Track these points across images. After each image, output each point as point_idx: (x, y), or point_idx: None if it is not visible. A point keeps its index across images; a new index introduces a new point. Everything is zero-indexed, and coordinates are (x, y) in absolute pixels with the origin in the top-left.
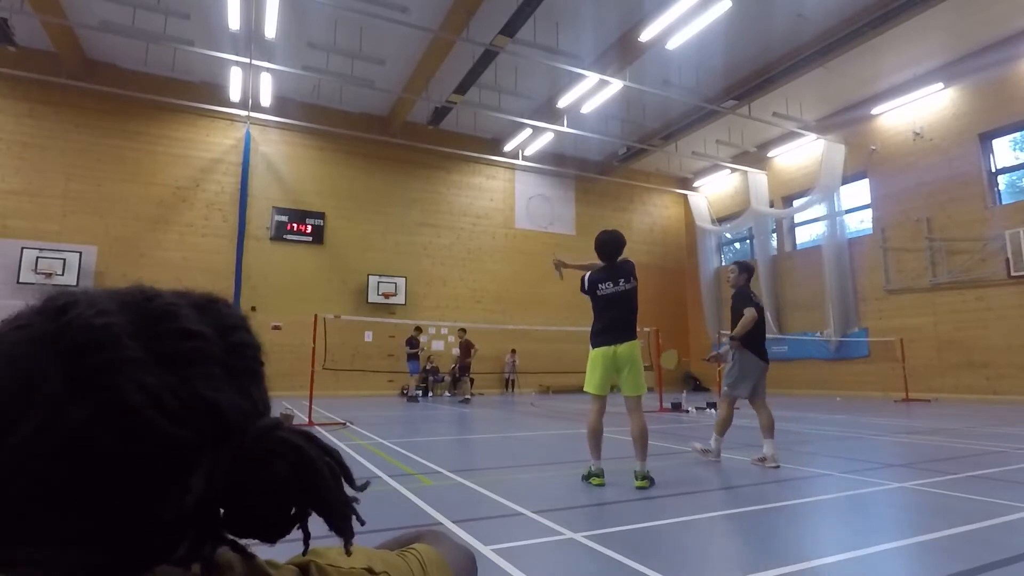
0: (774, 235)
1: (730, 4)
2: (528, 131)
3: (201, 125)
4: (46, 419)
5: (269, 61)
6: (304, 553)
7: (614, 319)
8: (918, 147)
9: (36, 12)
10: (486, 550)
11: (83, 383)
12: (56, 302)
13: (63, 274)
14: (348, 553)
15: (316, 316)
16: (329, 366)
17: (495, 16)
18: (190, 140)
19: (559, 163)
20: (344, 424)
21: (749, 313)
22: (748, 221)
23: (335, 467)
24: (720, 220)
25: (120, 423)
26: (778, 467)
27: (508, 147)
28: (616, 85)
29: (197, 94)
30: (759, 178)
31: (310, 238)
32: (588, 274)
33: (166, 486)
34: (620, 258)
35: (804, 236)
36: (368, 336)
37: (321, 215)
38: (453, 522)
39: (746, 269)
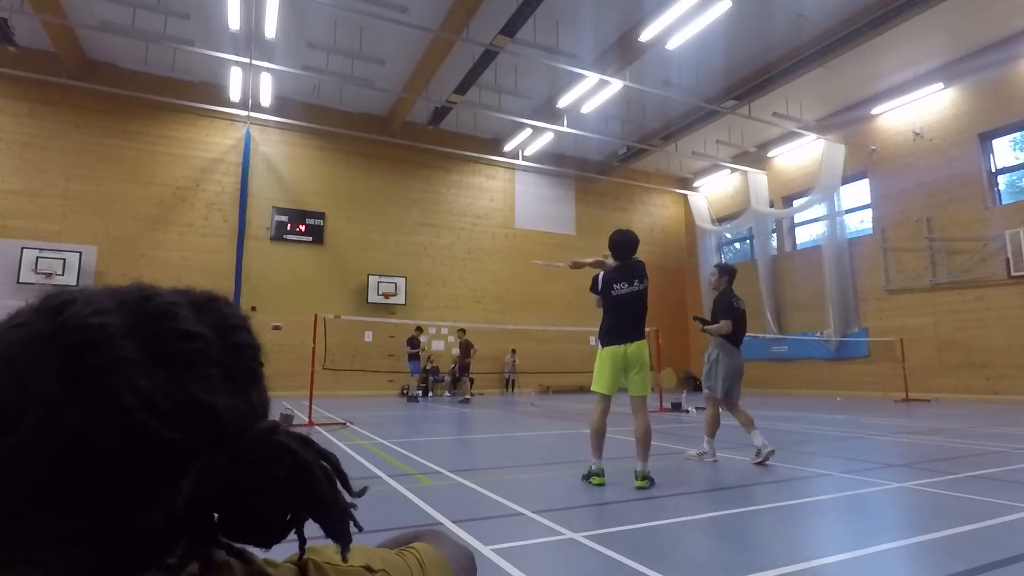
0: (774, 235)
1: (730, 4)
2: (528, 131)
3: (201, 125)
4: (42, 419)
5: (269, 61)
6: (300, 555)
7: (626, 319)
8: (918, 147)
9: (36, 12)
10: (486, 550)
11: (78, 383)
12: (53, 301)
13: (63, 274)
14: (344, 560)
15: (316, 316)
16: (329, 366)
17: (495, 16)
18: (190, 140)
19: (559, 163)
20: (344, 424)
21: (724, 325)
22: (748, 221)
23: (331, 472)
24: (720, 220)
25: (113, 424)
26: (773, 452)
27: (508, 147)
28: (616, 85)
29: (197, 94)
30: (759, 178)
31: (310, 238)
32: (602, 273)
33: (159, 489)
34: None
35: (804, 236)
36: (368, 336)
37: (321, 215)
38: (453, 522)
39: (726, 272)
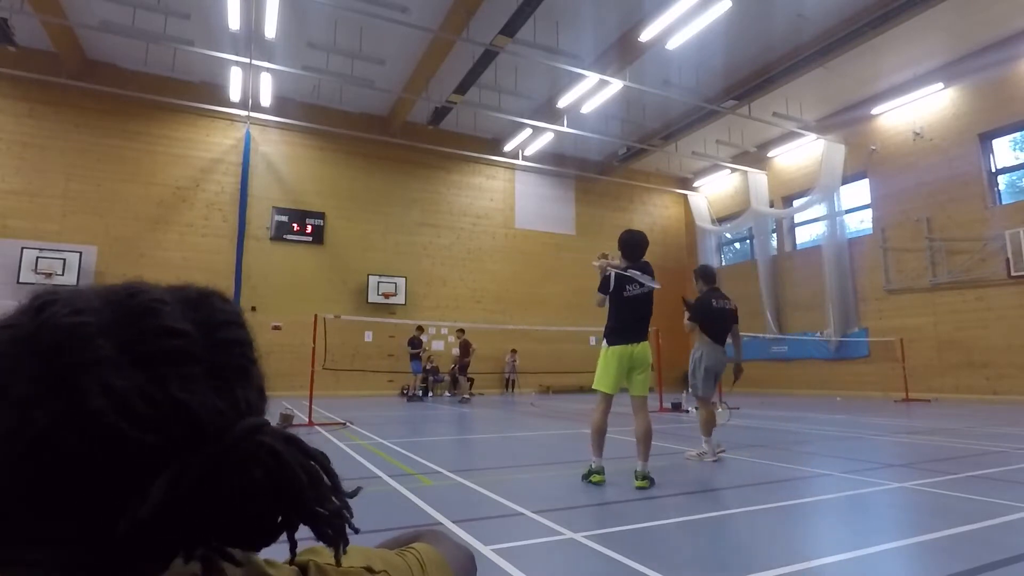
0: (774, 235)
1: (730, 4)
2: (528, 131)
3: (201, 125)
4: (15, 421)
5: (269, 61)
6: (291, 561)
7: (634, 319)
8: (918, 147)
9: (36, 12)
10: (486, 550)
11: (51, 385)
12: (36, 301)
13: (63, 274)
14: (338, 563)
15: (316, 316)
16: (329, 366)
17: (495, 16)
18: (190, 140)
19: (559, 163)
20: (344, 424)
21: (686, 325)
22: (748, 221)
23: (316, 473)
24: (720, 220)
25: (81, 427)
26: (715, 458)
27: (508, 147)
28: (616, 85)
29: (197, 94)
30: (759, 178)
31: (310, 238)
32: (614, 273)
33: (130, 493)
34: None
35: (804, 236)
36: (368, 336)
37: (321, 215)
38: (453, 522)
39: (702, 276)
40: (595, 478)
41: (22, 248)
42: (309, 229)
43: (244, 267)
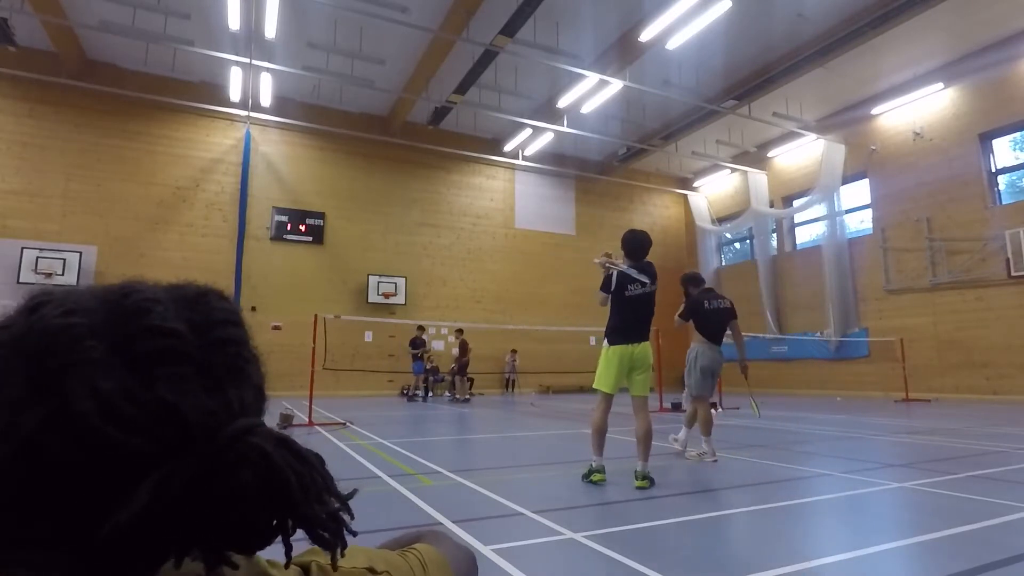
0: (774, 235)
1: (730, 4)
2: (528, 131)
3: (201, 125)
4: (5, 423)
5: (269, 61)
6: (287, 566)
7: (635, 319)
8: (918, 147)
9: (36, 12)
10: (486, 550)
11: (39, 387)
12: (31, 302)
13: (63, 274)
14: (334, 567)
15: (316, 316)
16: (329, 366)
17: (495, 16)
18: (190, 140)
19: (559, 163)
20: (344, 424)
21: (676, 321)
22: (748, 221)
23: (307, 476)
24: (720, 220)
25: (68, 430)
26: (714, 459)
27: (508, 147)
28: (616, 85)
29: (197, 94)
30: (759, 178)
31: (310, 238)
32: (616, 272)
33: (116, 498)
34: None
35: (804, 236)
36: (368, 336)
37: (321, 215)
38: (453, 522)
39: (690, 281)
40: (596, 477)
41: (22, 248)
42: (309, 229)
43: (244, 267)
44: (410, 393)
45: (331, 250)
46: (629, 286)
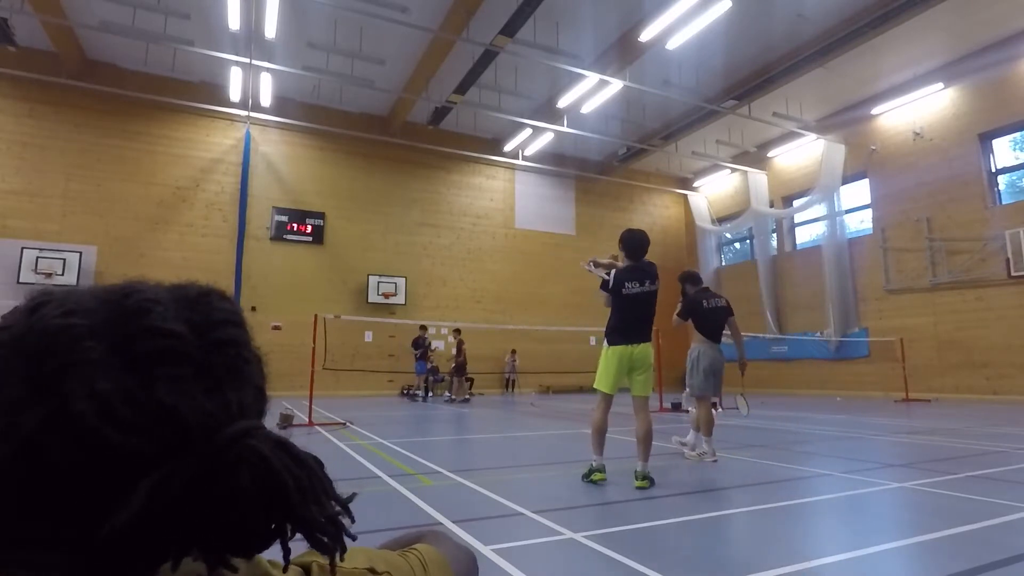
0: (774, 235)
1: (730, 4)
2: (528, 131)
3: (201, 125)
4: (5, 424)
5: (269, 61)
6: (285, 569)
7: (635, 319)
8: (918, 147)
9: (36, 12)
10: (486, 550)
11: (38, 387)
12: (31, 302)
13: (63, 274)
14: (332, 571)
15: (316, 316)
16: (329, 366)
17: (495, 16)
18: (190, 140)
19: (559, 163)
20: (344, 424)
21: (675, 320)
22: (748, 221)
23: (305, 479)
24: (720, 220)
25: (66, 431)
26: (714, 459)
27: (508, 147)
28: (616, 85)
29: (197, 94)
30: (759, 178)
31: (310, 238)
32: (614, 272)
33: (114, 499)
34: (645, 259)
35: (804, 236)
36: (368, 336)
37: (321, 215)
38: (453, 522)
39: (688, 280)
40: (596, 476)
41: (22, 248)
42: (309, 229)
43: (244, 267)
44: (411, 393)
45: (331, 250)
46: (626, 283)
